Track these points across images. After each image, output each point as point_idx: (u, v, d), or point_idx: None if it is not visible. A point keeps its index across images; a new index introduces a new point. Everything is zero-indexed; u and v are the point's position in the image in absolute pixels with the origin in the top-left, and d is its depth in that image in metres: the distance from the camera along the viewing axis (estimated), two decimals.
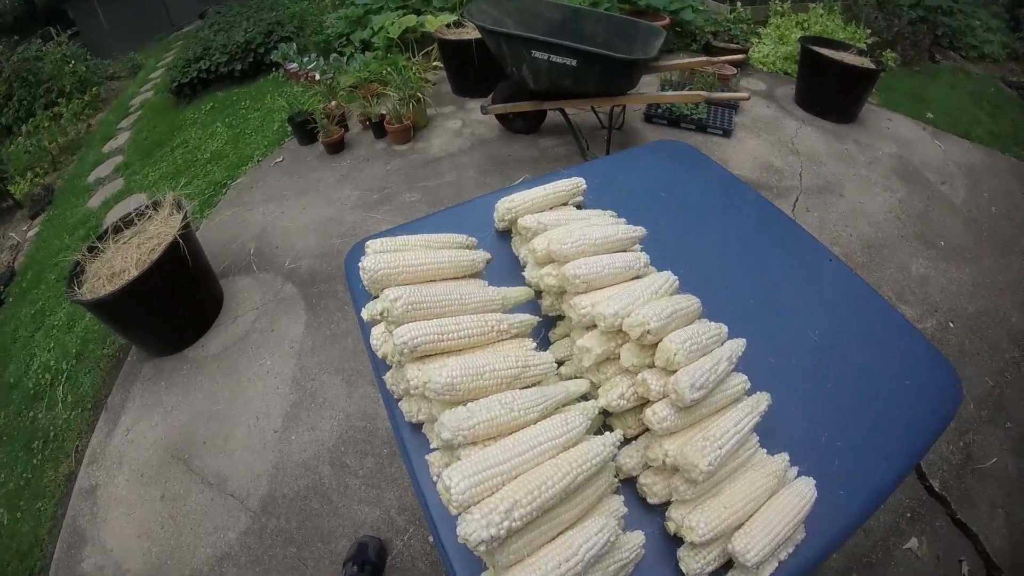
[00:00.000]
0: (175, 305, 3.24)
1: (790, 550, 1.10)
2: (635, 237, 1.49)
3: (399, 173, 4.62)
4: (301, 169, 4.91)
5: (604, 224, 1.49)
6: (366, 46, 6.04)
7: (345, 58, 5.61)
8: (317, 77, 5.57)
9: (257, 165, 5.13)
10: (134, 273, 2.91)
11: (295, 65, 6.05)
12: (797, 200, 4.08)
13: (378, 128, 5.06)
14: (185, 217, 3.19)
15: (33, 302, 4.37)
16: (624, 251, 1.44)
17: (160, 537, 2.56)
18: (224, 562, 2.42)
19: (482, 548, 0.86)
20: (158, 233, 3.18)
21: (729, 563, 1.08)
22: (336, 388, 2.99)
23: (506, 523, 0.86)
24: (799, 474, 1.20)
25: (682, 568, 1.06)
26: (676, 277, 1.35)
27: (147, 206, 3.37)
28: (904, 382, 1.45)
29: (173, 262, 3.05)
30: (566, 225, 1.48)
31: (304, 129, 5.07)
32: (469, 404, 1.04)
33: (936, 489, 2.51)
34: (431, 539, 2.35)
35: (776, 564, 1.08)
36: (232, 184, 4.91)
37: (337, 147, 5.01)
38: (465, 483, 0.90)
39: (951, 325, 3.23)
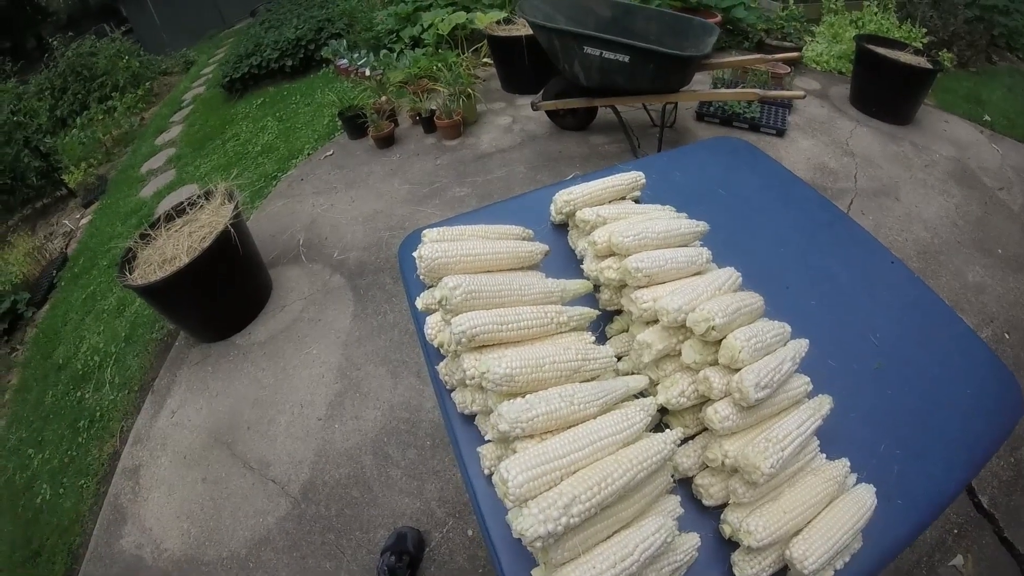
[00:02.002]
0: (224, 292, 3.31)
1: (847, 559, 1.07)
2: (698, 232, 1.46)
3: (448, 168, 4.65)
4: (351, 163, 4.97)
5: (666, 218, 1.46)
6: (416, 43, 6.11)
7: (395, 54, 5.66)
8: (367, 73, 5.63)
9: (307, 158, 5.23)
10: (185, 260, 2.98)
11: (345, 61, 6.13)
12: (852, 203, 3.97)
13: (428, 123, 5.10)
14: (236, 207, 3.25)
15: (85, 287, 4.52)
16: (686, 246, 1.41)
17: (200, 518, 2.62)
18: (262, 546, 2.46)
19: (538, 544, 0.85)
20: (209, 222, 3.25)
21: (783, 569, 1.05)
22: (381, 379, 3.01)
23: (564, 519, 0.85)
24: (858, 481, 1.17)
25: (736, 573, 1.04)
26: (739, 274, 1.32)
27: (199, 196, 3.45)
28: (965, 391, 1.40)
29: (224, 250, 3.12)
30: (627, 218, 1.46)
31: (354, 123, 5.14)
32: (528, 396, 1.03)
33: (984, 505, 2.41)
34: (470, 532, 2.36)
35: (832, 573, 1.05)
36: (283, 176, 5.01)
37: (387, 141, 5.07)
38: (523, 476, 0.88)
39: (1007, 336, 3.09)
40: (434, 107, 5.05)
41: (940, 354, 1.48)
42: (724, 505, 1.12)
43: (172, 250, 3.08)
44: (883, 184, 4.16)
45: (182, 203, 3.43)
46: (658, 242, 1.34)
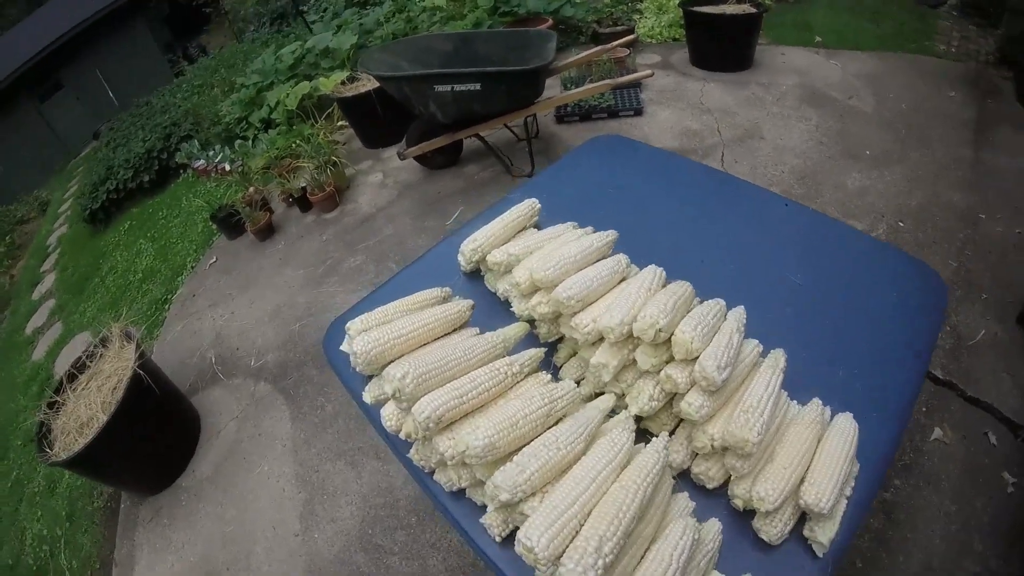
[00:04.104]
0: (153, 438, 3.10)
1: (852, 484, 1.13)
2: (609, 242, 1.50)
3: (336, 240, 4.54)
4: (238, 264, 4.78)
5: (575, 238, 1.49)
6: (267, 124, 5.97)
7: (250, 141, 5.52)
8: (227, 168, 5.47)
9: (192, 272, 4.98)
10: (103, 419, 2.76)
11: (202, 161, 5.93)
12: (723, 155, 4.17)
13: (303, 202, 4.96)
14: (139, 346, 3.06)
15: (6, 474, 4.12)
16: (603, 258, 1.44)
17: None
18: None
19: None
20: (115, 370, 3.04)
21: (803, 516, 1.10)
22: (343, 473, 2.88)
23: (601, 561, 0.85)
24: (832, 413, 1.23)
25: (763, 538, 1.07)
26: (662, 269, 1.35)
27: (95, 345, 3.22)
28: (892, 294, 1.52)
29: (139, 396, 2.91)
30: (539, 249, 1.47)
31: (229, 223, 4.93)
32: (515, 458, 1.02)
33: (940, 377, 2.59)
34: None
35: (844, 502, 1.10)
36: (173, 298, 4.74)
37: (267, 232, 4.89)
38: (546, 537, 0.88)
39: (901, 224, 3.34)
40: (304, 184, 4.93)
41: (858, 271, 1.60)
42: (726, 481, 1.15)
43: (86, 411, 2.86)
44: (745, 129, 4.40)
45: (80, 357, 3.19)
46: (578, 264, 1.37)
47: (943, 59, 4.89)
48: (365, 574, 2.48)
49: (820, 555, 1.06)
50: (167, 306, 4.68)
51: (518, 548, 0.91)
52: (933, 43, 5.13)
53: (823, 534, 1.04)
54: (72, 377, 3.12)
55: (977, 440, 2.37)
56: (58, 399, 3.03)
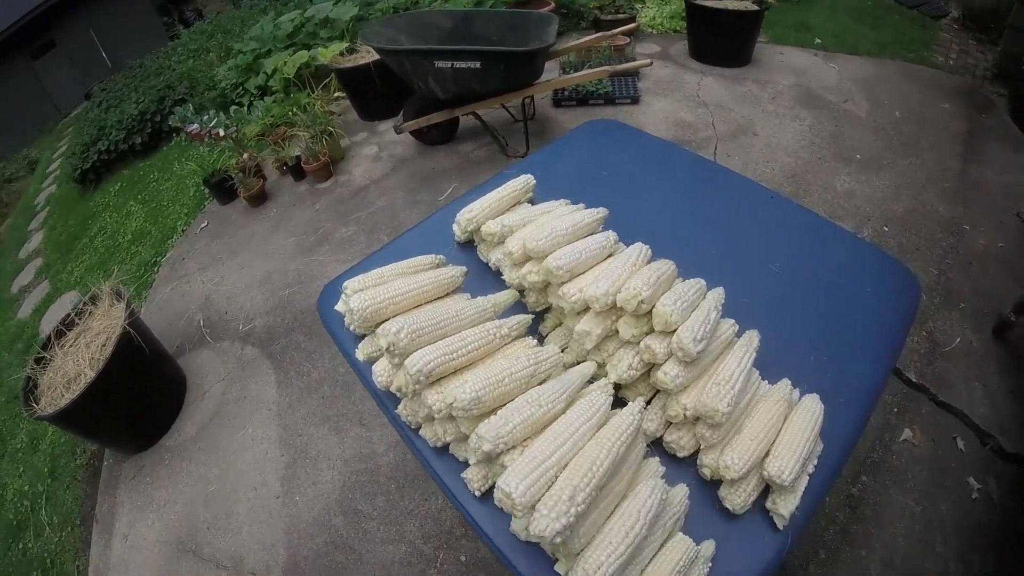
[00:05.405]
0: (139, 397, 3.11)
1: (815, 462, 1.19)
2: (599, 218, 1.55)
3: (329, 210, 4.55)
4: (229, 229, 4.78)
5: (567, 213, 1.55)
6: (264, 91, 5.94)
7: (245, 108, 5.48)
8: (221, 133, 5.41)
9: (183, 235, 4.97)
10: (91, 374, 2.77)
11: (196, 126, 5.85)
12: (716, 148, 4.23)
13: (296, 170, 4.96)
14: (129, 305, 3.07)
15: None
16: (592, 234, 1.50)
17: None
18: None
19: (559, 540, 0.90)
20: (104, 328, 3.04)
21: (765, 489, 1.16)
22: (326, 438, 2.93)
23: (573, 509, 0.91)
24: (801, 394, 1.29)
25: (727, 506, 1.14)
26: (648, 247, 1.41)
27: (84, 302, 3.22)
28: (867, 289, 1.58)
29: (129, 354, 2.93)
30: (532, 222, 1.53)
31: (222, 188, 4.92)
32: (499, 412, 1.08)
33: (914, 380, 2.67)
34: (463, 558, 2.36)
35: (807, 478, 1.16)
36: (162, 260, 4.74)
37: (259, 199, 4.89)
38: (524, 485, 0.94)
39: (886, 229, 3.42)
40: (298, 152, 4.92)
41: (837, 264, 1.66)
42: (696, 452, 1.22)
43: (73, 367, 2.87)
44: (739, 124, 4.47)
45: (69, 314, 3.19)
46: (568, 237, 1.43)
47: (940, 70, 4.99)
48: (343, 537, 2.54)
49: (780, 527, 1.12)
50: (156, 268, 4.67)
51: (497, 495, 0.97)
52: (932, 54, 5.24)
53: (784, 507, 1.11)
54: (60, 334, 3.11)
55: (945, 444, 2.46)
56: (46, 355, 3.03)
